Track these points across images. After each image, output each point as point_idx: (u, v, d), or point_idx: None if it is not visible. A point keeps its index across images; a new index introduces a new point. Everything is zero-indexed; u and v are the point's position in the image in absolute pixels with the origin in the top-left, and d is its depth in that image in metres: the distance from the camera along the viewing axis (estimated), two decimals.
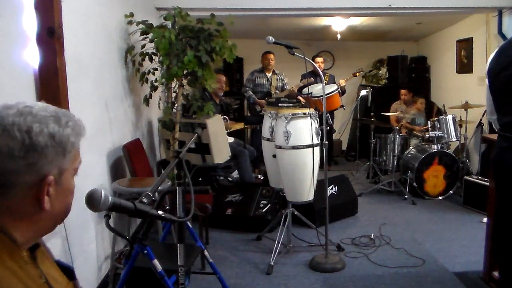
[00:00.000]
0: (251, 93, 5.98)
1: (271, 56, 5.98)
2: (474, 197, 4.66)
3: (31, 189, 0.84)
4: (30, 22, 2.12)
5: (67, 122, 0.88)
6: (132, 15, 3.60)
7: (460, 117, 5.41)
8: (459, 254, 3.50)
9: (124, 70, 3.63)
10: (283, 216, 3.54)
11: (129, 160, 3.39)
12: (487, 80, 2.15)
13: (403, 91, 6.29)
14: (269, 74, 6.05)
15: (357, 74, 6.23)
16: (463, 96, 5.41)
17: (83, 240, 2.70)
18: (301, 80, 6.35)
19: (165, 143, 4.21)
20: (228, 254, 3.60)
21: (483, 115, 5.23)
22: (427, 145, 5.33)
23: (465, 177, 4.90)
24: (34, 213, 0.87)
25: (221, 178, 4.83)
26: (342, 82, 5.99)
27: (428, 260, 3.42)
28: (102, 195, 1.06)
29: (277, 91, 6.02)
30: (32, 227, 0.88)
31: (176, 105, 3.82)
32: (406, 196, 5.05)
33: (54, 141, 0.85)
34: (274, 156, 3.41)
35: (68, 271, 1.03)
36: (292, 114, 3.27)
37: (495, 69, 2.08)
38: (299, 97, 4.15)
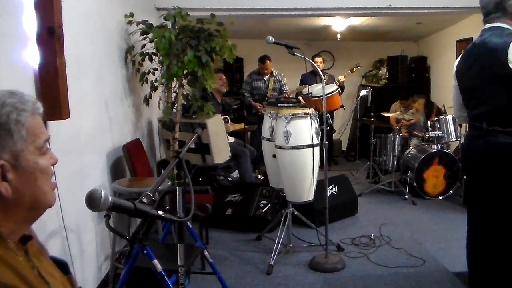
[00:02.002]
0: (248, 94, 6.09)
1: (266, 66, 6.01)
2: None
3: None
4: (30, 22, 2.11)
5: (4, 101, 0.85)
6: (132, 15, 3.60)
7: None
8: (459, 254, 3.48)
9: (124, 70, 3.63)
10: (283, 216, 3.54)
11: (129, 160, 3.39)
12: (454, 81, 2.42)
13: (420, 101, 6.04)
14: (266, 76, 6.10)
15: (354, 69, 6.24)
16: None
17: (83, 240, 2.70)
18: (300, 79, 6.37)
19: (165, 143, 4.21)
20: (228, 254, 3.60)
21: None
22: (427, 145, 5.33)
23: (465, 177, 4.89)
24: (4, 203, 0.85)
25: (221, 178, 4.81)
26: (341, 78, 6.02)
27: (428, 260, 3.43)
28: (102, 195, 1.06)
29: (274, 93, 6.04)
30: (10, 217, 0.86)
31: (176, 105, 3.82)
32: (406, 196, 5.05)
33: None
34: (274, 156, 3.41)
35: (62, 266, 1.03)
36: (292, 114, 3.27)
37: (462, 69, 2.33)
38: (299, 97, 4.16)
